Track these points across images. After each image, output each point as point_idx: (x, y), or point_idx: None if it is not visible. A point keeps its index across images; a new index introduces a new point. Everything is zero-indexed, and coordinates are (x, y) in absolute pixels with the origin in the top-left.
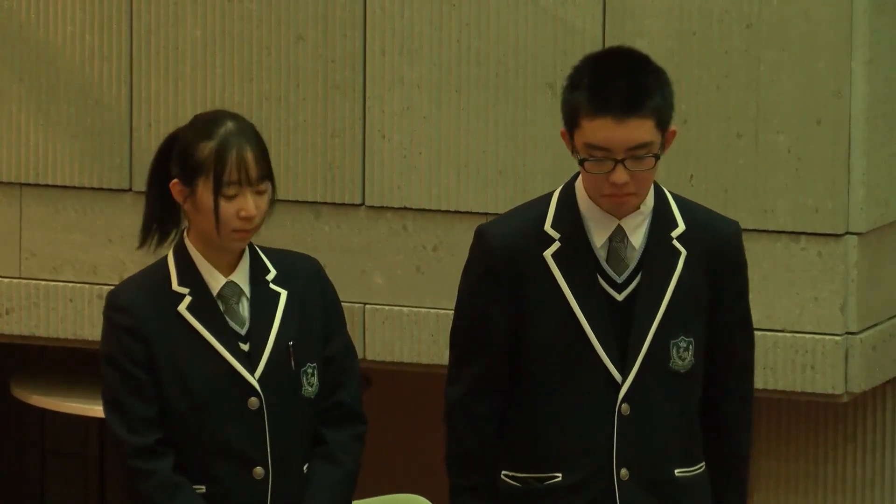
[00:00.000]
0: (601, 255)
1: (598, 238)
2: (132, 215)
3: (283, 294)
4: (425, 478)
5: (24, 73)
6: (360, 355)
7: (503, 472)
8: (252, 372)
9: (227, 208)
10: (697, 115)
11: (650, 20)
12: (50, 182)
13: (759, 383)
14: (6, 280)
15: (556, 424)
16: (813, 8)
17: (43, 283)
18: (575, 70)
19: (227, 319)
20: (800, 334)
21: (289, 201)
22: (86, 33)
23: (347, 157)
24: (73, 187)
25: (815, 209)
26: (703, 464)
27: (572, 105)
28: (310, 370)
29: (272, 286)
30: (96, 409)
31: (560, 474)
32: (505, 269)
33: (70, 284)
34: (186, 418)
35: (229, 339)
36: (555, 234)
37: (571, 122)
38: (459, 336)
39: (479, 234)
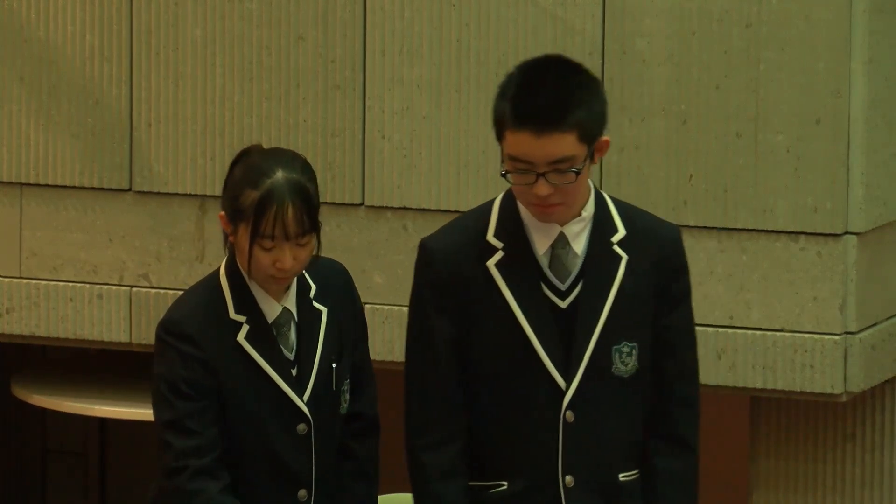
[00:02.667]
0: (544, 262)
1: (541, 245)
2: (132, 215)
3: (324, 312)
4: None
5: (25, 72)
6: None
7: None
8: (301, 397)
9: (264, 257)
10: (697, 115)
11: (649, 20)
12: (50, 182)
13: (758, 382)
14: (7, 280)
15: (502, 432)
16: (812, 8)
17: (43, 282)
18: (506, 78)
19: (281, 347)
20: (799, 334)
21: None
22: (86, 33)
23: (347, 157)
24: (74, 187)
25: (814, 209)
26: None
27: (498, 115)
28: (345, 388)
29: (315, 304)
30: (97, 409)
31: (506, 482)
32: (448, 281)
33: (70, 284)
34: (240, 443)
35: (282, 366)
36: (497, 244)
37: (498, 133)
38: (410, 348)
39: (422, 247)
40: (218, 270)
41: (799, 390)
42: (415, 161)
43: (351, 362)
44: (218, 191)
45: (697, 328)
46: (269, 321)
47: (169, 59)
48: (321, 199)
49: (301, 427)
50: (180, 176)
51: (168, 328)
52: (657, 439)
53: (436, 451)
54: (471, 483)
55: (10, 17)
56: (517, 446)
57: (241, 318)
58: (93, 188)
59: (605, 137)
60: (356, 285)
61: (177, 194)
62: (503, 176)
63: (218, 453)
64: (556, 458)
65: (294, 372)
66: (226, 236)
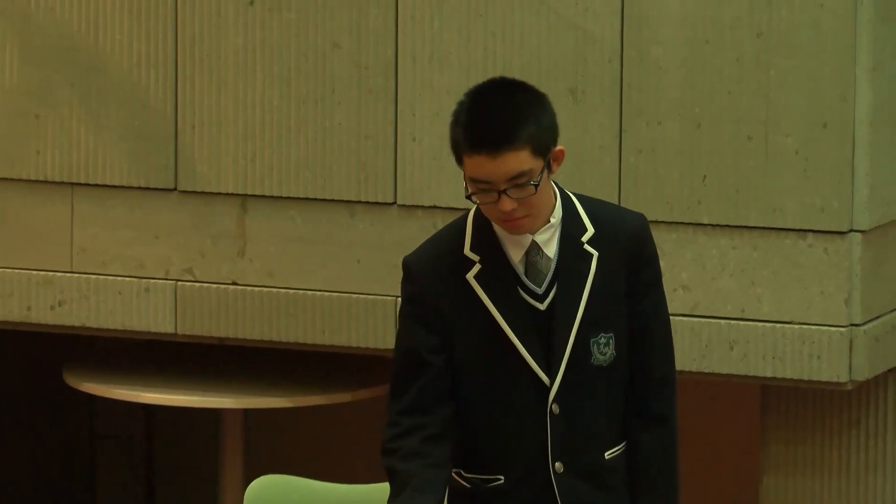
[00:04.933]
0: (520, 269)
1: (516, 255)
2: (177, 213)
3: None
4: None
5: (76, 78)
6: (393, 345)
7: (454, 469)
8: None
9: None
10: (710, 119)
11: (665, 29)
12: (100, 182)
13: (768, 372)
14: (59, 274)
15: (494, 431)
16: (820, 18)
17: (93, 276)
18: (458, 105)
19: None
20: (807, 326)
21: (325, 200)
22: (133, 41)
23: (380, 159)
24: (122, 187)
25: (821, 208)
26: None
27: (454, 142)
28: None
29: (586, 247)
30: (143, 395)
31: (502, 476)
32: (428, 296)
33: (118, 278)
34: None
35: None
36: (474, 257)
37: (457, 158)
38: (395, 353)
39: (403, 265)
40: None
41: (807, 379)
42: (444, 162)
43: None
44: (258, 190)
45: (711, 320)
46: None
47: (212, 66)
48: (356, 198)
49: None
50: (222, 176)
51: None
52: (636, 417)
53: (402, 438)
54: (471, 475)
55: (61, 26)
56: (509, 443)
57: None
58: (140, 188)
59: (558, 147)
60: (388, 279)
61: (219, 193)
62: (468, 198)
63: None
64: (545, 447)
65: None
66: None
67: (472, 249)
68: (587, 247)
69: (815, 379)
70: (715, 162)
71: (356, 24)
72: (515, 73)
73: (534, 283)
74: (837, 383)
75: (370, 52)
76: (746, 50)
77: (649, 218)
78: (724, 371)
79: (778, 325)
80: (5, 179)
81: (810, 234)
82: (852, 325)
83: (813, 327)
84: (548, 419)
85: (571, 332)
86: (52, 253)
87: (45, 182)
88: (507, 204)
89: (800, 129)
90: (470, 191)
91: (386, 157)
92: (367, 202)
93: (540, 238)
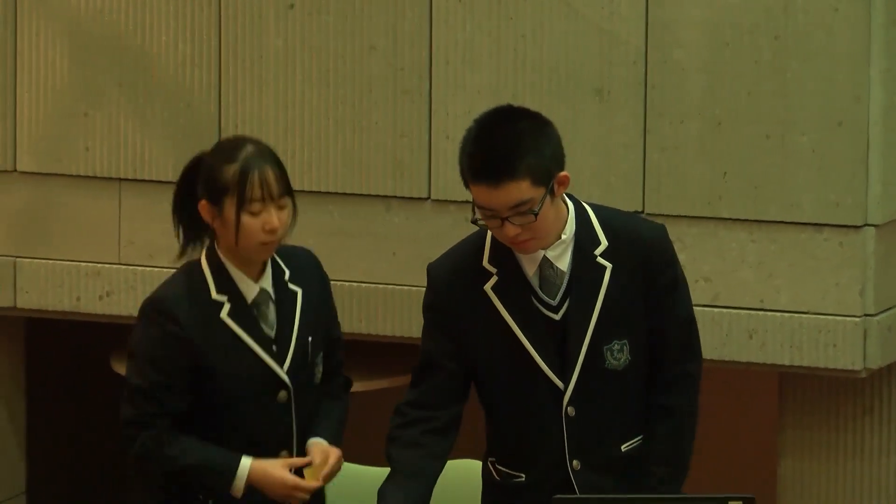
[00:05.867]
0: (535, 282)
1: (530, 269)
2: None
3: (300, 292)
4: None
5: (123, 78)
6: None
7: (489, 458)
8: (281, 366)
9: (252, 224)
10: (730, 119)
11: (687, 33)
12: (146, 177)
13: (785, 360)
14: (107, 266)
15: (515, 433)
16: (834, 22)
17: (140, 268)
18: (467, 132)
19: (260, 323)
20: (823, 316)
21: (361, 195)
22: (179, 42)
23: (415, 156)
24: (167, 182)
25: (836, 203)
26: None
27: (461, 168)
28: (318, 360)
29: (290, 286)
30: None
31: (523, 475)
32: (448, 304)
33: (164, 270)
34: (222, 411)
35: (264, 341)
36: (492, 269)
37: (464, 183)
38: (420, 352)
39: (428, 272)
40: (197, 261)
41: (823, 367)
42: None
43: (324, 336)
44: (297, 185)
45: (731, 310)
46: (249, 300)
47: (253, 67)
48: (391, 194)
49: (282, 395)
50: None
51: (154, 305)
52: (651, 409)
53: (405, 428)
54: (500, 469)
55: (109, 28)
56: (529, 443)
57: (223, 298)
58: None
59: (563, 173)
60: (422, 272)
61: None
62: (473, 222)
63: (176, 421)
64: (563, 447)
65: (275, 347)
66: (198, 230)
67: (489, 262)
68: (600, 259)
69: (831, 367)
70: (735, 159)
71: (392, 27)
72: (544, 74)
73: (548, 296)
74: (852, 371)
75: (405, 54)
76: (764, 53)
77: (672, 213)
78: (744, 359)
79: (795, 315)
80: (56, 175)
81: (826, 228)
82: (866, 315)
83: (828, 317)
84: (563, 421)
85: (585, 340)
86: (100, 245)
87: (94, 177)
88: (511, 230)
89: (816, 129)
90: (476, 216)
91: (420, 154)
92: (403, 197)
93: (551, 254)
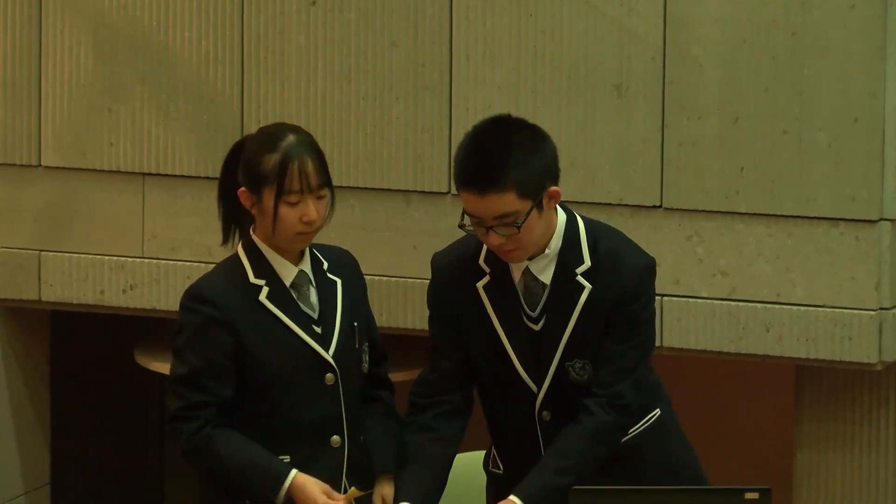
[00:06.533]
0: (520, 290)
1: (516, 275)
2: None
3: (339, 282)
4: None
5: (146, 74)
6: None
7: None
8: (327, 350)
9: (290, 214)
10: (748, 115)
11: (705, 29)
12: (169, 172)
13: (802, 353)
14: (131, 259)
15: (499, 428)
16: (850, 19)
17: (163, 262)
18: (464, 138)
19: (301, 305)
20: (839, 309)
21: (383, 189)
22: (202, 39)
23: (436, 151)
24: (190, 177)
25: (852, 198)
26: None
27: (454, 175)
28: (365, 348)
29: (329, 275)
30: None
31: (502, 467)
32: (447, 292)
33: (187, 263)
34: (270, 396)
35: (305, 322)
36: (486, 268)
37: (457, 189)
38: (429, 341)
39: (432, 262)
40: (234, 253)
41: (839, 360)
42: None
43: (369, 333)
44: None
45: (748, 304)
46: (287, 283)
47: (276, 63)
48: (412, 188)
49: (329, 377)
50: None
51: (192, 294)
52: (587, 398)
53: (417, 414)
54: (492, 469)
55: (132, 23)
56: (508, 439)
57: (261, 282)
58: (207, 178)
59: (553, 188)
60: None
61: None
62: (460, 227)
63: (223, 411)
64: (538, 446)
65: (319, 330)
66: (237, 215)
67: (485, 260)
68: (580, 279)
69: (847, 359)
70: (752, 154)
71: (413, 23)
72: (563, 70)
73: (529, 306)
74: (868, 364)
75: (426, 51)
76: (781, 49)
77: (689, 207)
78: (760, 352)
79: (811, 309)
80: (80, 170)
81: (842, 223)
82: (882, 308)
83: (844, 311)
84: (538, 424)
85: (555, 355)
86: (124, 239)
87: (118, 172)
88: (495, 239)
89: (832, 124)
90: (463, 221)
91: (441, 149)
92: (423, 192)
93: (535, 266)
